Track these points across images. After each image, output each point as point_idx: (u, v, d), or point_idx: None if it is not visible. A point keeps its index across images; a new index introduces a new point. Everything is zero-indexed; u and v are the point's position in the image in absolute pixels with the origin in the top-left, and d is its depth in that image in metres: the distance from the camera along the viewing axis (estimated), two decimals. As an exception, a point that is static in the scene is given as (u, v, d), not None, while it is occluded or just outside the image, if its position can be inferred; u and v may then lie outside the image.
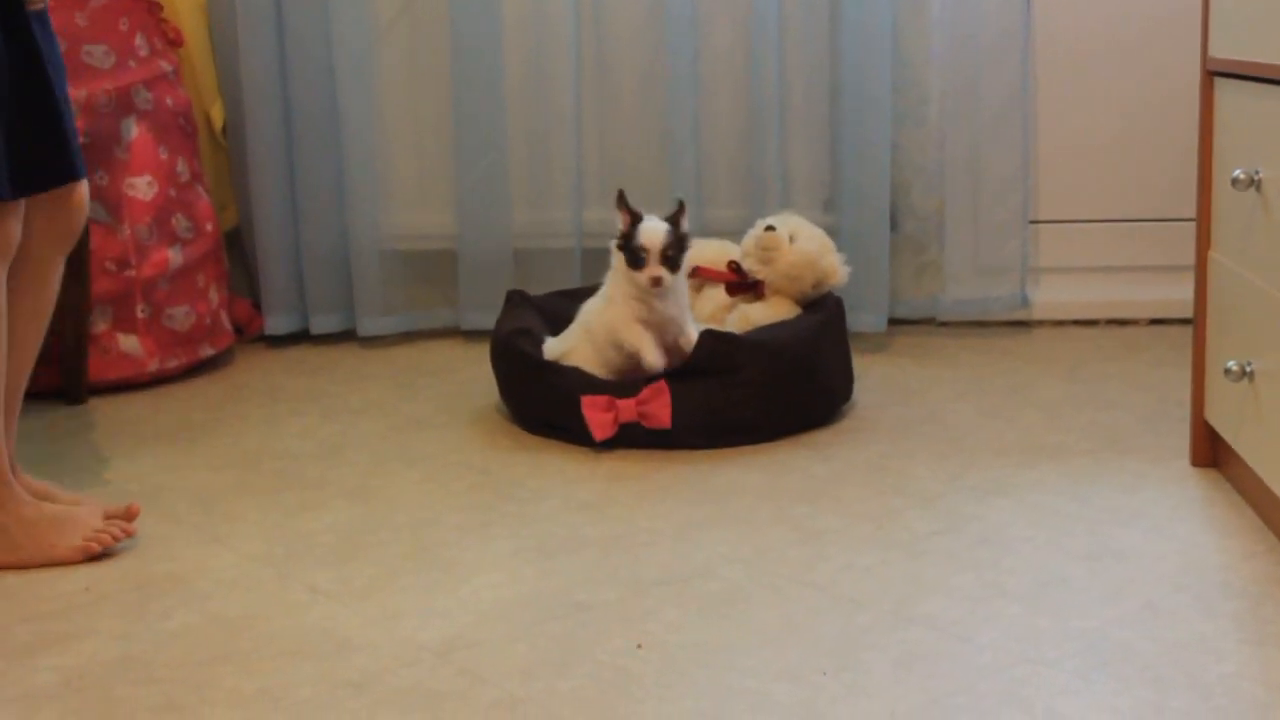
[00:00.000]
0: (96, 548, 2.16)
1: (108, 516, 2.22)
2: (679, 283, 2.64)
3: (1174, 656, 1.79)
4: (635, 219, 2.63)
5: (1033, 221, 3.35)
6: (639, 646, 1.86)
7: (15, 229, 2.12)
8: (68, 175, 2.18)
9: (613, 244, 2.65)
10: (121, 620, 2.00)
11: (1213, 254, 2.35)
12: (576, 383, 2.61)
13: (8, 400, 2.23)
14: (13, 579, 2.13)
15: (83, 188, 2.23)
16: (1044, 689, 1.72)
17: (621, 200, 2.64)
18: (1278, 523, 2.13)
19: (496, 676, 1.80)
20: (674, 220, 2.63)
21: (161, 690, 1.80)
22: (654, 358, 2.58)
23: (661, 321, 2.62)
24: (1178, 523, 2.21)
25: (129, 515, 2.22)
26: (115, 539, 2.19)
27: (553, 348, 2.71)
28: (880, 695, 1.72)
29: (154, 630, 1.97)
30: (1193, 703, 1.68)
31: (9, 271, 2.15)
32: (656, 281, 2.58)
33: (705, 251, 2.90)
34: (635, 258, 2.59)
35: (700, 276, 2.87)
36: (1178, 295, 3.06)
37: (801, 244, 2.79)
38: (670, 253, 2.59)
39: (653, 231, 2.60)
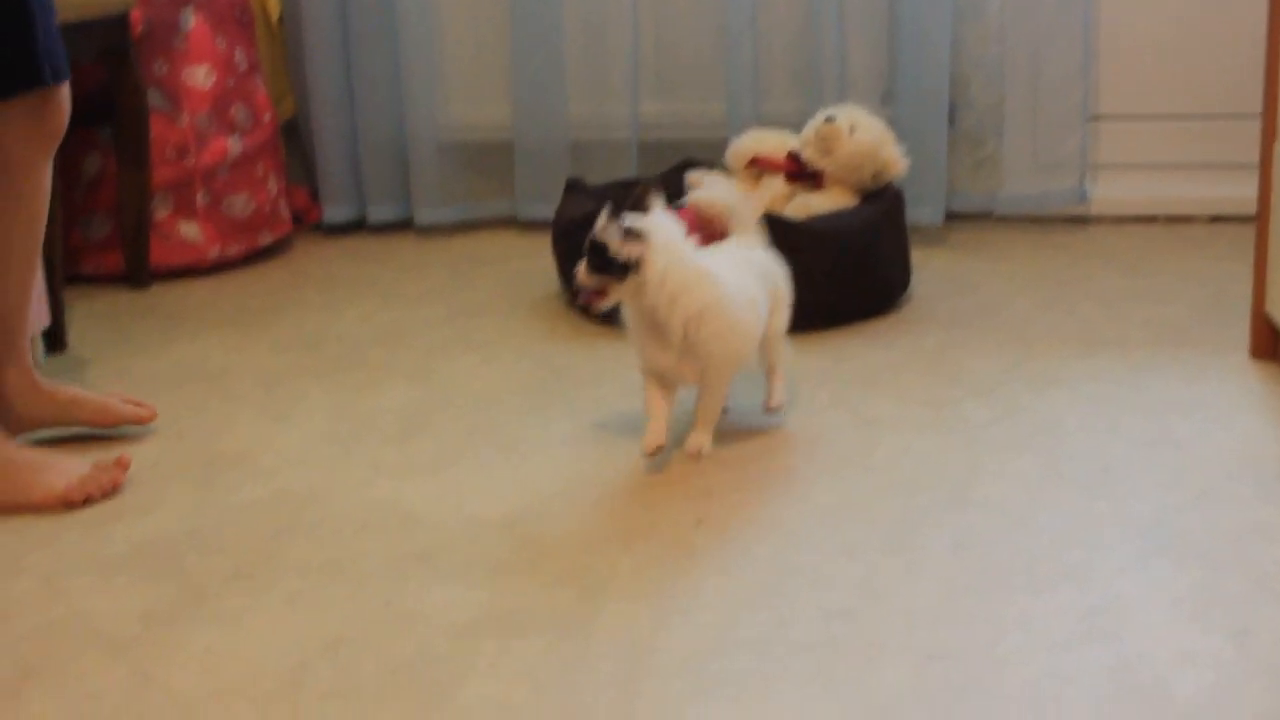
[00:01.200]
0: (77, 498, 2.01)
1: (97, 466, 2.06)
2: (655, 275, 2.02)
3: (1229, 541, 1.80)
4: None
5: (1093, 117, 3.31)
6: (699, 523, 1.89)
7: None
8: (34, 80, 2.00)
9: None
10: (190, 494, 2.04)
11: (1278, 145, 2.33)
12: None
13: (11, 316, 2.12)
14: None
15: (61, 92, 2.05)
16: (1101, 570, 1.74)
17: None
18: (1337, 414, 2.13)
19: (558, 550, 1.83)
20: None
21: (230, 560, 1.84)
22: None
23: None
24: (1236, 413, 2.21)
25: (119, 465, 2.06)
26: (101, 490, 2.03)
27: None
28: (938, 574, 1.75)
29: (222, 504, 2.01)
30: (1247, 585, 1.69)
31: None
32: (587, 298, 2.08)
33: (765, 142, 2.89)
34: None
35: (759, 166, 2.87)
36: (1239, 193, 3.03)
37: (861, 135, 2.78)
38: (596, 262, 2.02)
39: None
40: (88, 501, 2.01)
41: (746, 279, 2.13)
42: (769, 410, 2.21)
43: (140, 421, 2.24)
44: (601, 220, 2.01)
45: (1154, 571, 1.74)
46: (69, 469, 2.04)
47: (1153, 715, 1.45)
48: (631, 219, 2.01)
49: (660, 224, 2.03)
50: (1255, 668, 1.53)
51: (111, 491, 2.04)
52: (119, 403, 2.24)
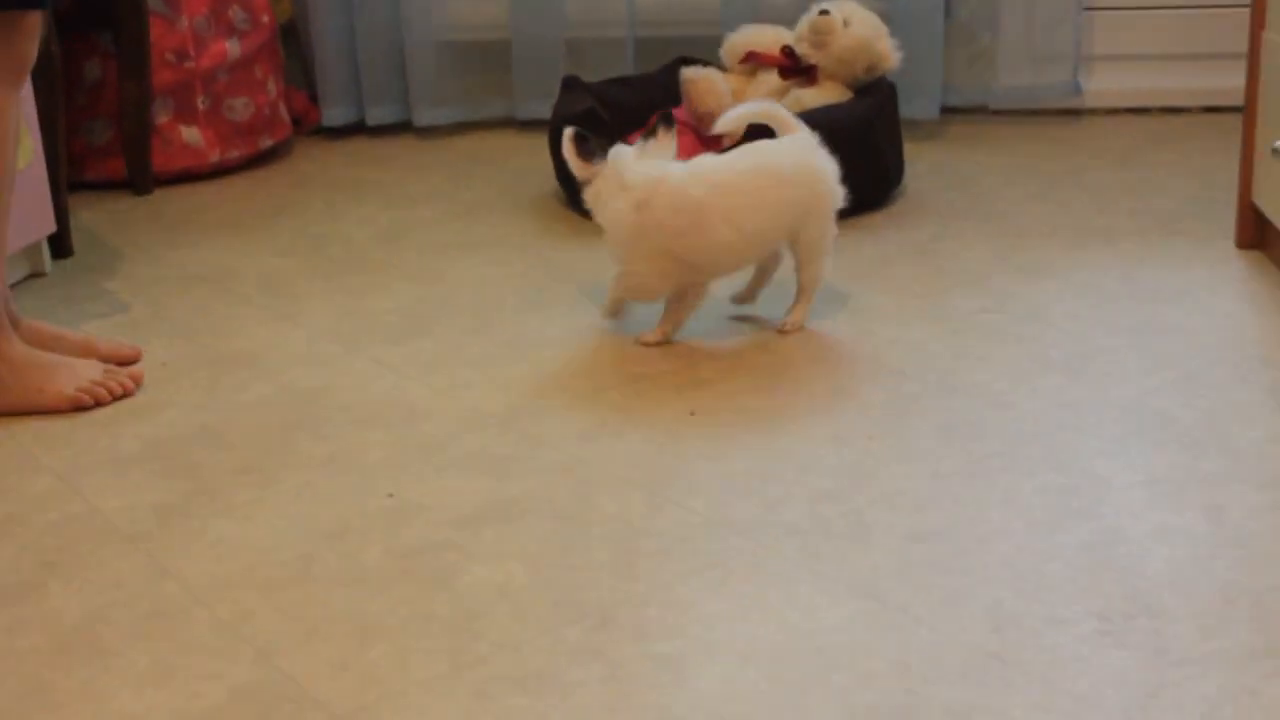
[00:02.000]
0: (88, 399, 2.04)
1: (109, 372, 2.10)
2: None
3: (1208, 422, 1.86)
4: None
5: (1087, 8, 3.32)
6: (692, 413, 1.94)
7: None
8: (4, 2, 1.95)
9: None
10: (198, 393, 2.10)
11: (1267, 34, 2.35)
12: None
13: None
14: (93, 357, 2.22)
15: (30, 18, 1.99)
16: (1081, 452, 1.80)
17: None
18: (1319, 299, 2.17)
19: (556, 440, 1.89)
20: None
21: (239, 455, 1.90)
22: None
23: None
24: (1219, 300, 2.26)
25: (131, 375, 2.09)
26: (111, 393, 2.06)
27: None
28: (924, 458, 1.80)
29: (230, 401, 2.07)
30: (1223, 464, 1.75)
31: None
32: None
33: (760, 36, 2.91)
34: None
35: (754, 61, 2.89)
36: (1232, 83, 3.04)
37: (855, 28, 2.80)
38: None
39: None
40: (97, 404, 2.06)
41: (729, 185, 2.11)
42: (780, 330, 2.19)
43: (125, 361, 2.19)
44: (565, 142, 2.15)
45: (1132, 452, 1.79)
46: (80, 372, 2.08)
47: (1126, 588, 1.51)
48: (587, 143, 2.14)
49: (614, 152, 2.14)
50: (1226, 542, 1.58)
51: (121, 396, 2.08)
52: (101, 342, 2.21)
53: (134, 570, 1.64)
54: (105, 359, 2.17)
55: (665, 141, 2.16)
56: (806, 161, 2.18)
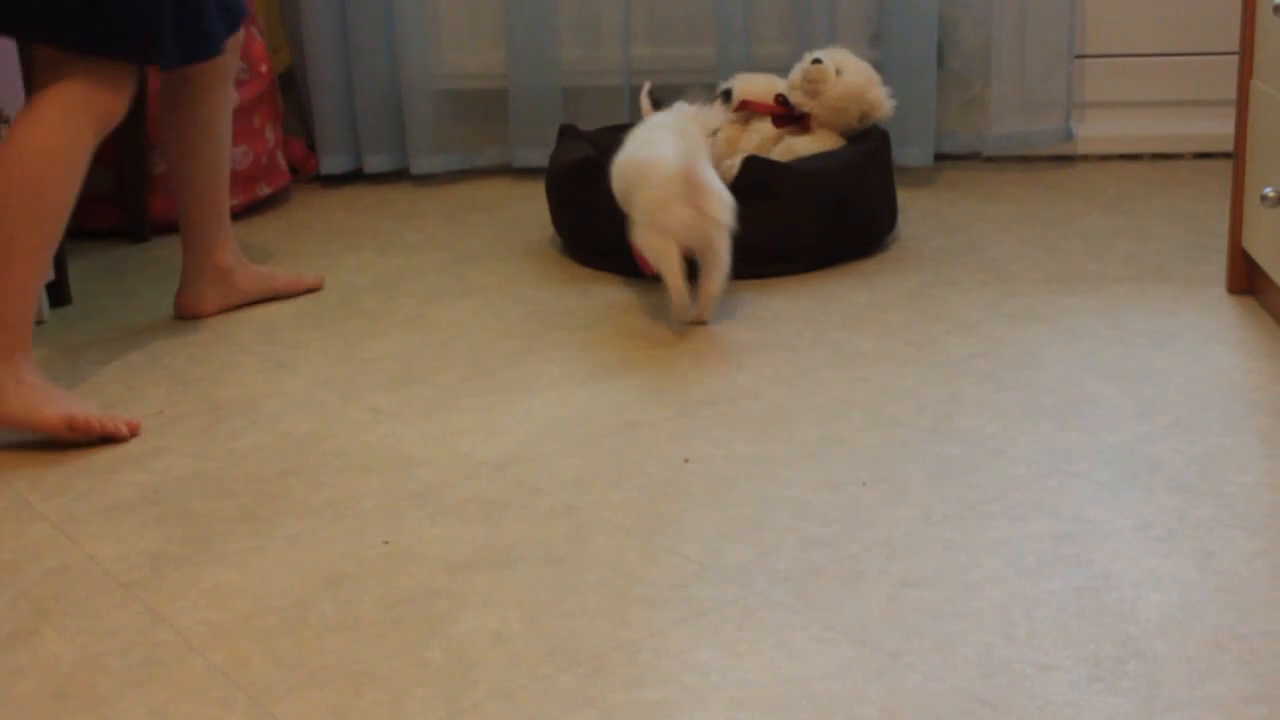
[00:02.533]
0: (79, 423, 2.08)
1: (105, 414, 2.14)
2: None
3: (1199, 468, 1.87)
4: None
5: (1078, 56, 3.35)
6: (686, 461, 1.95)
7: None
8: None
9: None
10: (195, 440, 2.11)
11: (1255, 82, 2.38)
12: (627, 215, 2.66)
13: (221, 201, 2.54)
14: (91, 404, 2.23)
15: (120, 69, 2.20)
16: (1073, 497, 1.81)
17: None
18: (1309, 345, 2.18)
19: (551, 488, 1.90)
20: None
21: (235, 502, 1.91)
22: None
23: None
24: (1210, 346, 2.27)
25: (128, 423, 2.13)
26: (103, 429, 2.10)
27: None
28: (916, 503, 1.81)
29: (226, 448, 2.08)
30: (1214, 509, 1.76)
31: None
32: None
33: (753, 85, 2.93)
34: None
35: (748, 110, 2.91)
36: (1222, 129, 3.07)
37: (848, 77, 2.82)
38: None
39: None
40: (89, 430, 2.09)
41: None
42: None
43: (318, 286, 2.69)
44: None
45: (1124, 498, 1.80)
46: (79, 404, 2.13)
47: (1117, 634, 1.51)
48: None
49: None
50: (1217, 587, 1.59)
51: (112, 433, 2.11)
52: (298, 275, 2.70)
53: (129, 618, 1.65)
54: (307, 287, 2.69)
55: (717, 112, 2.59)
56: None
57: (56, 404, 2.11)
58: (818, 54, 2.85)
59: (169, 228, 3.12)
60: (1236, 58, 2.45)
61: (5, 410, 2.08)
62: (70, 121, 2.14)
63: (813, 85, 2.82)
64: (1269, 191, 2.22)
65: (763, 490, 1.86)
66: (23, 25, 2.18)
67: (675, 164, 2.37)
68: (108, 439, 2.10)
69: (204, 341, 2.49)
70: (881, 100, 2.85)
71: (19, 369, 2.10)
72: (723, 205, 2.37)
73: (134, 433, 2.13)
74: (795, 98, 2.85)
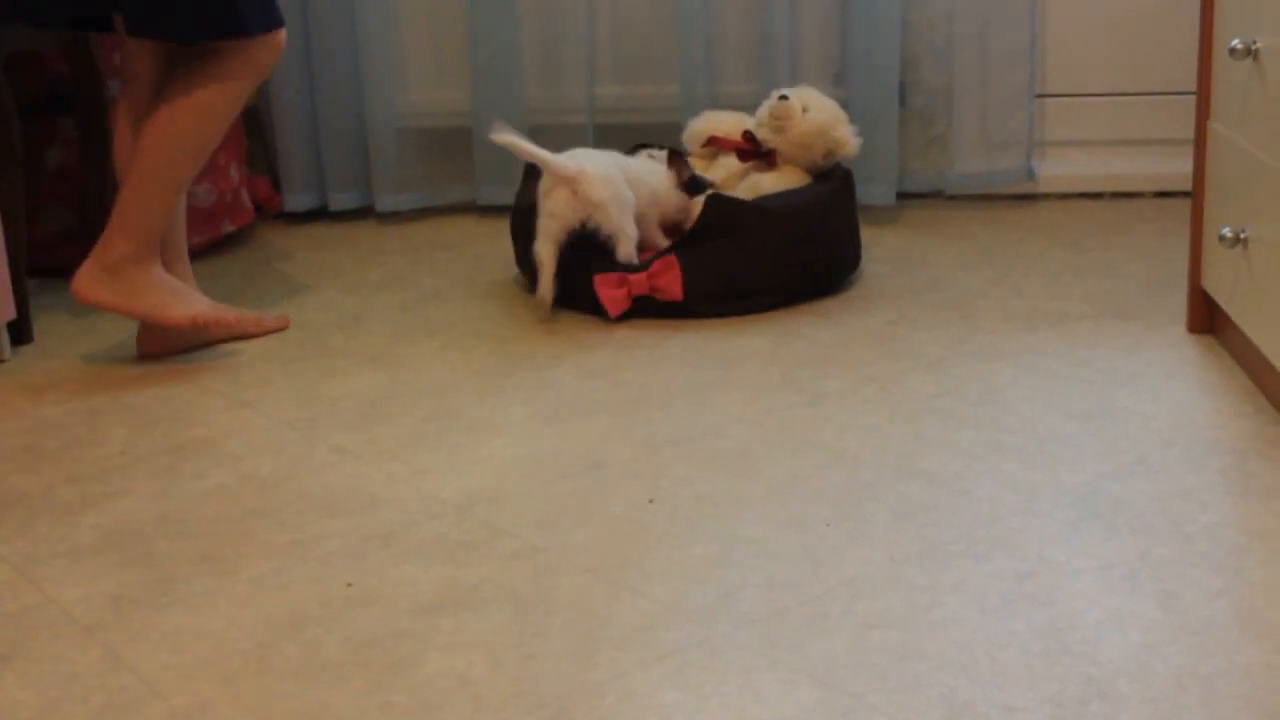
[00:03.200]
0: (204, 317, 2.47)
1: (239, 311, 2.60)
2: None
3: (1160, 508, 1.88)
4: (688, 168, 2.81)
5: (1039, 95, 3.38)
6: (650, 501, 1.95)
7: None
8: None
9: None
10: (157, 481, 2.10)
11: (1212, 124, 2.41)
12: (591, 257, 2.67)
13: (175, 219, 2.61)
14: (52, 444, 2.23)
15: (274, 37, 2.51)
16: (1035, 537, 1.81)
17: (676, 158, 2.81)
18: (1268, 385, 2.20)
19: (515, 528, 1.89)
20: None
21: (198, 544, 1.90)
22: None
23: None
24: (1172, 384, 2.29)
25: (277, 319, 2.67)
26: (234, 327, 2.56)
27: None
28: (880, 543, 1.82)
29: (189, 489, 2.07)
30: (1176, 549, 1.77)
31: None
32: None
33: (722, 122, 2.95)
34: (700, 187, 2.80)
35: (716, 146, 2.93)
36: (1182, 168, 3.10)
37: (814, 114, 2.84)
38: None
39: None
40: (213, 329, 2.52)
41: None
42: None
43: (283, 326, 2.69)
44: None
45: (1086, 538, 1.81)
46: (210, 306, 2.52)
47: (1080, 675, 1.52)
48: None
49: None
50: (1179, 628, 1.60)
51: (245, 332, 2.58)
52: (261, 315, 2.69)
53: (90, 661, 1.63)
54: (270, 328, 2.68)
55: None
56: None
57: (185, 303, 2.46)
58: (785, 91, 2.87)
59: (132, 265, 3.11)
60: (1194, 96, 2.48)
61: (138, 306, 2.44)
62: (229, 84, 2.47)
63: (778, 121, 2.84)
64: (1226, 231, 2.24)
65: (727, 530, 1.87)
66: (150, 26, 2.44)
67: (568, 164, 2.65)
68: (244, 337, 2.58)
69: (167, 381, 2.48)
70: (847, 138, 2.87)
71: (151, 270, 2.46)
72: (601, 185, 2.62)
73: (282, 327, 2.59)
74: (762, 134, 2.87)
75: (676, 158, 2.79)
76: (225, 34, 2.43)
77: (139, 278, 2.45)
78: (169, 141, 2.46)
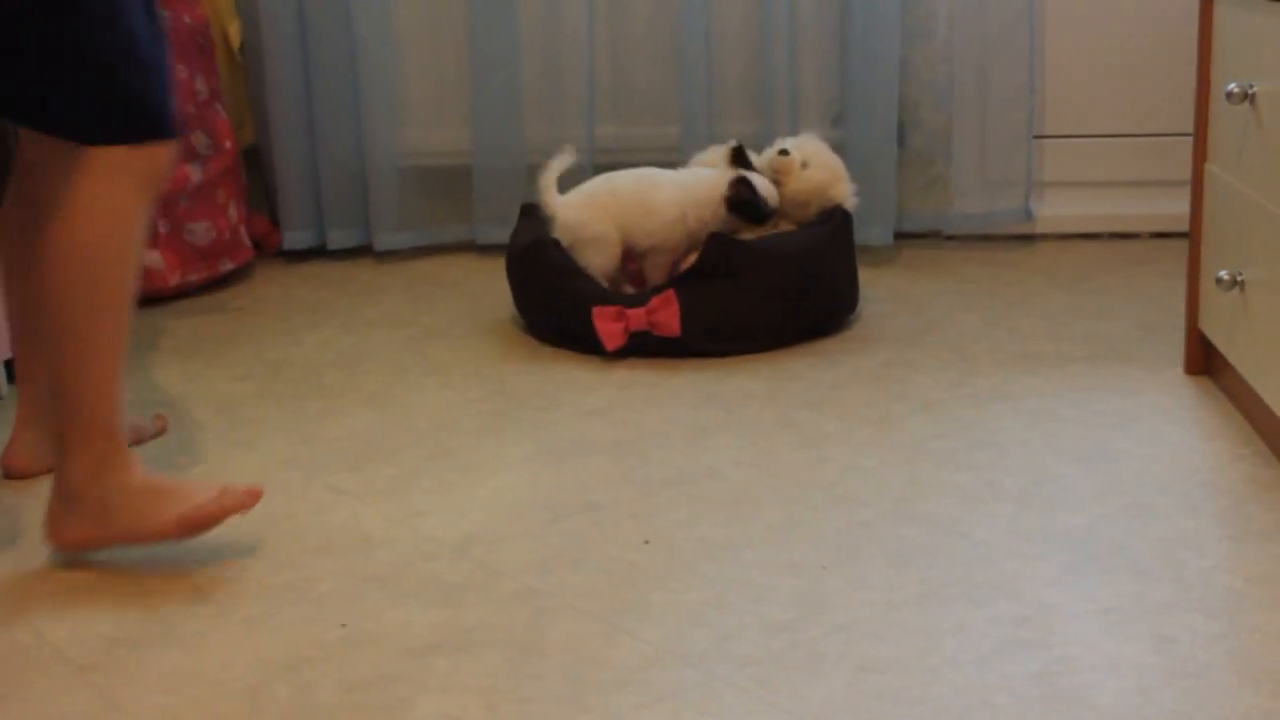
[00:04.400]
0: (192, 516, 1.89)
1: (225, 491, 1.93)
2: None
3: (1157, 551, 1.87)
4: (749, 187, 2.75)
5: (1037, 136, 3.39)
6: (647, 542, 1.95)
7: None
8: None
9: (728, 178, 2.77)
10: (153, 520, 2.09)
11: (1209, 166, 2.41)
12: (589, 294, 2.68)
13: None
14: (41, 486, 2.22)
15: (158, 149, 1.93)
16: (1033, 581, 1.81)
17: (739, 181, 2.75)
18: (1265, 427, 2.20)
19: (512, 570, 1.89)
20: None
21: (192, 583, 1.90)
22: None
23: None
24: (1169, 427, 2.28)
25: (250, 492, 1.94)
26: (223, 512, 1.91)
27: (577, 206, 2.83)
28: (877, 586, 1.81)
29: (184, 529, 2.06)
30: (1173, 593, 1.77)
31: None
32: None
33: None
34: (761, 216, 2.76)
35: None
36: (1180, 209, 3.11)
37: (812, 172, 2.83)
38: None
39: (770, 193, 2.78)
40: (206, 524, 1.90)
41: None
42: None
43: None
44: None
45: (1083, 581, 1.80)
46: (190, 496, 1.92)
47: (1076, 719, 1.51)
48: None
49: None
50: (1174, 673, 1.59)
51: (234, 511, 1.91)
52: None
53: (82, 703, 1.63)
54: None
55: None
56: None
57: (166, 505, 1.90)
58: (787, 143, 2.86)
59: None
60: (1190, 139, 2.48)
61: (116, 531, 1.90)
62: (116, 198, 1.88)
63: (777, 175, 2.83)
64: (1223, 274, 2.24)
65: (724, 573, 1.86)
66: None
67: (550, 202, 2.82)
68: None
69: (164, 419, 2.47)
70: (844, 197, 2.85)
71: (122, 476, 1.90)
72: (563, 231, 2.79)
73: (257, 499, 1.93)
74: (761, 184, 2.86)
75: (738, 181, 2.74)
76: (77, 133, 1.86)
77: (111, 491, 1.89)
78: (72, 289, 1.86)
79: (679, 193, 2.77)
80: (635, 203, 2.77)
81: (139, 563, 1.95)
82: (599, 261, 2.73)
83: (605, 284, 2.73)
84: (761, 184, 2.75)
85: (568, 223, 2.76)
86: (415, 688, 1.62)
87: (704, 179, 2.78)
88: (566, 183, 3.36)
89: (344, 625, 1.77)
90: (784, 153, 2.83)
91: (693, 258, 2.72)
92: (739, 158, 2.78)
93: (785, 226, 2.84)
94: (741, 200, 2.72)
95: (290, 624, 1.78)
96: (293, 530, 2.04)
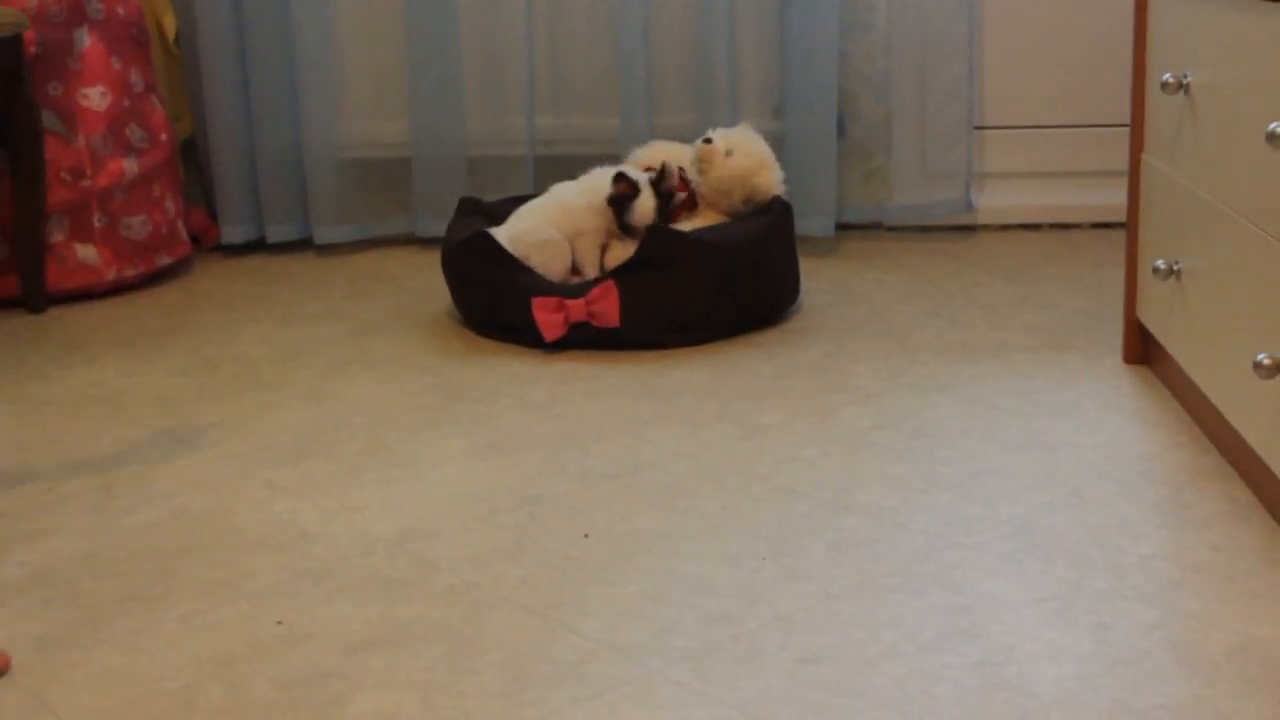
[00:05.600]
0: None
1: None
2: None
3: (1096, 539, 1.88)
4: (633, 189, 2.78)
5: (977, 127, 3.41)
6: (586, 536, 1.94)
7: None
8: None
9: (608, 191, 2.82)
10: (86, 518, 2.06)
11: (1145, 156, 2.42)
12: (528, 285, 2.67)
13: None
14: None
15: None
16: (971, 570, 1.81)
17: (621, 177, 2.79)
18: (1202, 415, 2.21)
19: (449, 564, 1.87)
20: (661, 187, 2.82)
21: (126, 582, 1.87)
22: (594, 271, 2.81)
23: (615, 232, 2.82)
24: (1107, 416, 2.29)
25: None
26: None
27: (512, 228, 2.84)
28: (816, 577, 1.81)
29: (118, 526, 2.03)
30: (1110, 581, 1.77)
31: None
32: (634, 234, 2.79)
33: (662, 154, 2.94)
34: (626, 226, 2.79)
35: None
36: (1119, 200, 3.13)
37: (735, 160, 2.82)
38: (658, 220, 2.80)
39: (645, 211, 2.79)
40: None
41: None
42: None
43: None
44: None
45: (1022, 570, 1.81)
46: None
47: (1014, 708, 1.51)
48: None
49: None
50: (1113, 660, 1.60)
51: None
52: None
53: (12, 705, 1.60)
54: None
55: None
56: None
57: None
58: (712, 133, 2.86)
59: (67, 298, 3.08)
60: (1128, 130, 2.50)
61: None
62: None
63: (701, 164, 2.83)
64: (1160, 264, 2.25)
65: (663, 565, 1.85)
66: None
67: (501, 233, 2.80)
68: None
69: (98, 416, 2.44)
70: (771, 185, 2.84)
71: None
72: (512, 247, 2.78)
73: (4, 668, 1.67)
74: (691, 173, 2.86)
75: (619, 177, 2.81)
76: None
77: None
78: None
79: (584, 185, 2.87)
80: (554, 205, 2.84)
81: (70, 561, 1.93)
82: (556, 266, 2.78)
83: (557, 282, 2.73)
84: (642, 199, 2.79)
85: (516, 233, 2.79)
86: (351, 684, 1.61)
87: (601, 182, 2.85)
88: (512, 181, 3.37)
89: (279, 622, 1.75)
90: (707, 141, 2.83)
91: (625, 251, 2.72)
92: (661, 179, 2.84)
93: (713, 217, 2.83)
94: (621, 196, 2.78)
95: (225, 621, 1.76)
96: (229, 526, 2.01)
